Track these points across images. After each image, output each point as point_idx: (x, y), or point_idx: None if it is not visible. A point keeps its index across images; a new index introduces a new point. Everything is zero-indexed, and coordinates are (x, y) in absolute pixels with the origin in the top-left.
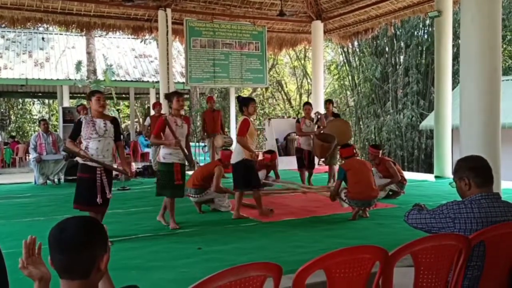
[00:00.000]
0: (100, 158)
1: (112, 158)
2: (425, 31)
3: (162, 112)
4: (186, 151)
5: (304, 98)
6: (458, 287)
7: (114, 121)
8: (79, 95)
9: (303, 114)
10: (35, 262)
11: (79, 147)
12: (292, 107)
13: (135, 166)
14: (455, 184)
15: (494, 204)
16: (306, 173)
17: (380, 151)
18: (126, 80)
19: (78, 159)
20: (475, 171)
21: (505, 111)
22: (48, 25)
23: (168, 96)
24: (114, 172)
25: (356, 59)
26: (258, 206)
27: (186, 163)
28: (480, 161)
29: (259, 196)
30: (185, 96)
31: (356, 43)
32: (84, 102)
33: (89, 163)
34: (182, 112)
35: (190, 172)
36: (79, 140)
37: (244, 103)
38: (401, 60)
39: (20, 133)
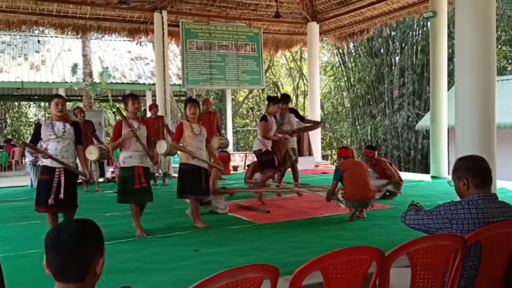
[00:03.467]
0: (59, 159)
1: (74, 160)
2: (420, 31)
3: (159, 114)
4: (145, 147)
5: (301, 99)
6: (455, 287)
7: (74, 125)
8: (75, 98)
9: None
10: None
11: (38, 148)
12: None
13: None
14: (454, 183)
15: (491, 204)
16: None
17: (376, 152)
18: (122, 83)
19: (40, 162)
20: (474, 172)
21: (500, 111)
22: (43, 28)
23: (124, 99)
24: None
25: (352, 60)
26: (195, 216)
27: (151, 166)
28: (480, 162)
29: (196, 205)
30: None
31: (351, 44)
32: (81, 104)
33: (49, 164)
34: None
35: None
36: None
37: (185, 105)
38: (397, 60)
39: (16, 136)
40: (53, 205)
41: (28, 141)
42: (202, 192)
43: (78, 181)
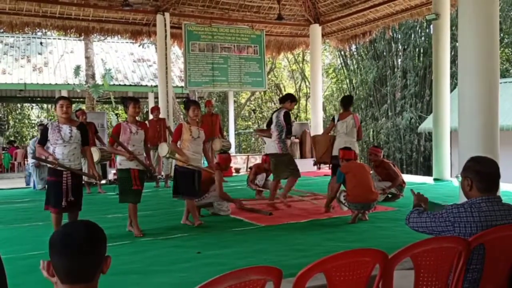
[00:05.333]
0: (66, 163)
1: (80, 162)
2: (423, 33)
3: (161, 116)
4: (142, 160)
5: (303, 102)
6: None
7: (81, 127)
8: (77, 99)
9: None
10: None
11: (48, 153)
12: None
13: None
14: (461, 179)
15: (494, 207)
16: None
17: (382, 151)
18: (125, 85)
19: (49, 165)
20: (480, 176)
21: (503, 113)
22: (46, 30)
23: (124, 102)
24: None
25: (354, 62)
26: (192, 214)
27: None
28: (489, 167)
29: (192, 206)
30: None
31: (354, 47)
32: (83, 106)
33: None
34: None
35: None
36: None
37: (186, 106)
38: (399, 63)
39: (19, 138)
40: (68, 206)
41: (36, 141)
42: (194, 194)
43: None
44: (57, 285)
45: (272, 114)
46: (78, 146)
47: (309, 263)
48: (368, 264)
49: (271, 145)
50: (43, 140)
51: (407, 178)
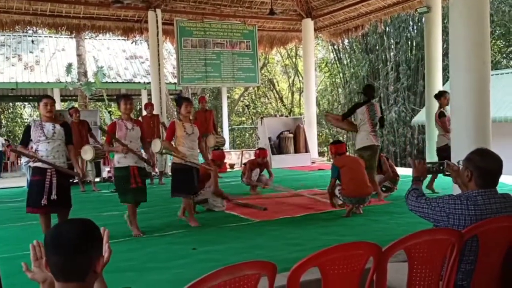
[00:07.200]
0: (50, 159)
1: (65, 160)
2: (415, 27)
3: (154, 112)
4: (139, 153)
5: (296, 96)
6: (452, 281)
7: (64, 125)
8: (70, 98)
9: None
10: (41, 265)
11: (28, 149)
12: (284, 105)
13: None
14: (461, 166)
15: (490, 200)
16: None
17: None
18: (117, 82)
19: (31, 163)
20: (479, 171)
21: (495, 105)
22: (37, 28)
23: (117, 100)
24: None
25: (347, 57)
26: (188, 213)
27: (146, 166)
28: (492, 164)
29: (189, 205)
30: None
31: (346, 41)
32: (76, 104)
33: (40, 165)
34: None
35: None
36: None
37: (178, 103)
38: (391, 56)
39: (11, 137)
40: (46, 205)
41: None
42: (193, 191)
43: (75, 181)
44: (43, 285)
45: (356, 107)
46: (62, 143)
47: (304, 257)
48: (361, 257)
49: (364, 138)
50: (25, 140)
51: (401, 171)
